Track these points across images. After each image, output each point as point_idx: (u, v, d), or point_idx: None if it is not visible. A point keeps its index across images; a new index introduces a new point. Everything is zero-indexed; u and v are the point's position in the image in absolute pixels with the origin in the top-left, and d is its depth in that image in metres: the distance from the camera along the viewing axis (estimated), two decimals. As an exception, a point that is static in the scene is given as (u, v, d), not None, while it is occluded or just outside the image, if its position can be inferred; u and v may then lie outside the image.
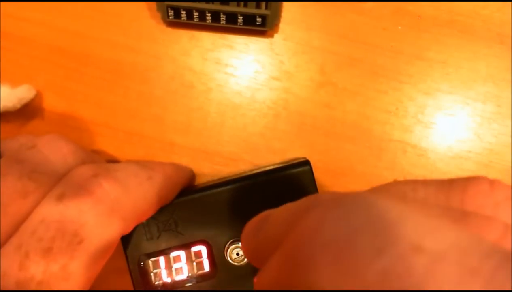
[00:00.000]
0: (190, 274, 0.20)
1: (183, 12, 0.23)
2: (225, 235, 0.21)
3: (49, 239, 0.14)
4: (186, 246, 0.20)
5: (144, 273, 0.20)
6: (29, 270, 0.14)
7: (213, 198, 0.21)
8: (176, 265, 0.20)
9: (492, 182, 0.11)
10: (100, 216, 0.15)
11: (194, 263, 0.20)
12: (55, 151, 0.16)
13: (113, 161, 0.24)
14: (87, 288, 0.15)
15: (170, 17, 0.23)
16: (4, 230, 0.14)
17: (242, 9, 0.23)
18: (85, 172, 0.16)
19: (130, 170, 0.17)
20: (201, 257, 0.20)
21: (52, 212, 0.14)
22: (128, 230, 0.17)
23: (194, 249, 0.20)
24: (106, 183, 0.16)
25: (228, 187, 0.21)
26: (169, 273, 0.20)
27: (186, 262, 0.20)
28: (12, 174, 0.15)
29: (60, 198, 0.15)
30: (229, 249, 0.20)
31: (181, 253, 0.20)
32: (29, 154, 0.16)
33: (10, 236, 0.14)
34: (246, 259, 0.20)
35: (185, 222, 0.20)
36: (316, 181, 0.24)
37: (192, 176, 0.23)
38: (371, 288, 0.07)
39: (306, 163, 0.21)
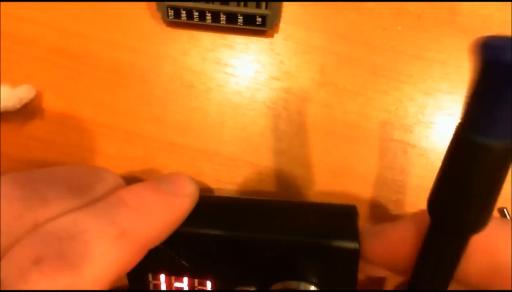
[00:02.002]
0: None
1: (183, 12, 0.23)
2: (234, 279, 0.18)
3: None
4: (190, 276, 0.18)
5: (141, 282, 0.18)
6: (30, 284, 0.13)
7: (238, 242, 0.17)
8: (177, 284, 0.18)
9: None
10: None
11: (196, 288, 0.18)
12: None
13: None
14: None
15: (170, 17, 0.23)
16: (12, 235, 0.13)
17: (242, 9, 0.23)
18: (29, 255, 0.13)
19: (97, 226, 0.14)
20: (205, 287, 0.18)
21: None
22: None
23: (199, 281, 0.18)
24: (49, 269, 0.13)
25: (259, 235, 0.17)
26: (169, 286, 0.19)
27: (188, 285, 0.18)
28: None
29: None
30: None
31: (185, 280, 0.18)
32: None
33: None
34: None
35: (191, 254, 0.17)
36: (316, 181, 0.24)
37: (195, 197, 0.18)
38: None
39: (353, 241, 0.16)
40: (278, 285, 0.17)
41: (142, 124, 0.24)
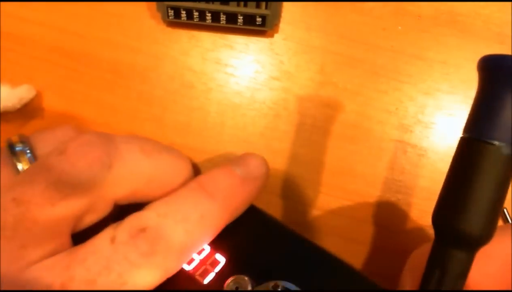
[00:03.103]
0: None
1: (183, 12, 0.23)
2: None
3: (96, 272, 0.15)
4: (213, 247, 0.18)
5: None
6: None
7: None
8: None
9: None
10: (142, 268, 0.16)
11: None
12: (82, 158, 0.16)
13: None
14: None
15: (170, 17, 0.23)
16: (34, 236, 0.15)
17: (242, 9, 0.23)
18: (134, 225, 0.16)
19: (182, 211, 0.17)
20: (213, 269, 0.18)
21: (104, 249, 0.15)
22: (172, 273, 0.17)
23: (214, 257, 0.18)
24: (150, 241, 0.16)
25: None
26: None
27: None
28: (39, 182, 0.15)
29: (113, 240, 0.16)
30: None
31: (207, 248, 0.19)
32: (57, 160, 0.16)
33: (40, 240, 0.15)
34: None
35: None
36: (316, 181, 0.24)
37: (265, 179, 0.20)
38: None
39: None
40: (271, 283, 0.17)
41: (142, 124, 0.24)
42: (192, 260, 0.18)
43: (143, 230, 0.16)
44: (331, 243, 0.24)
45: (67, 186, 0.15)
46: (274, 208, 0.24)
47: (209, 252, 0.18)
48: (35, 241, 0.15)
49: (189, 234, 0.16)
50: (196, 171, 0.21)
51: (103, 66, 0.24)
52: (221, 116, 0.24)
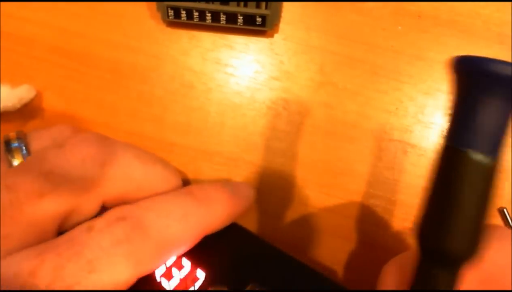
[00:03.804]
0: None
1: (183, 12, 0.23)
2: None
3: (66, 258, 0.14)
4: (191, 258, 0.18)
5: None
6: (39, 278, 0.14)
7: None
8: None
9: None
10: (114, 256, 0.15)
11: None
12: (77, 154, 0.16)
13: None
14: None
15: (170, 17, 0.23)
16: (20, 227, 0.15)
17: (242, 9, 0.23)
18: (114, 214, 0.16)
19: (166, 207, 0.17)
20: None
21: (80, 236, 0.15)
22: (146, 272, 0.16)
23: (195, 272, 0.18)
24: (127, 229, 0.15)
25: None
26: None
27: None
28: (32, 170, 0.15)
29: (90, 228, 0.15)
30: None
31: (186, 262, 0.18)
32: (53, 154, 0.16)
33: (25, 234, 0.15)
34: None
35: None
36: (316, 181, 0.24)
37: (250, 202, 0.20)
38: None
39: None
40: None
41: (142, 124, 0.24)
42: (171, 277, 0.18)
43: (122, 218, 0.16)
44: (331, 243, 0.24)
45: (58, 179, 0.15)
46: (274, 208, 0.24)
47: (190, 269, 0.18)
48: (19, 234, 0.15)
49: (169, 228, 0.16)
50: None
51: (103, 66, 0.24)
52: (221, 116, 0.24)
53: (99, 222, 0.15)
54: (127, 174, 0.17)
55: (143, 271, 0.16)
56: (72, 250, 0.14)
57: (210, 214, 0.18)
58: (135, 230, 0.15)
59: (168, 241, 0.16)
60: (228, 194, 0.18)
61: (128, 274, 0.15)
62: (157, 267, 0.17)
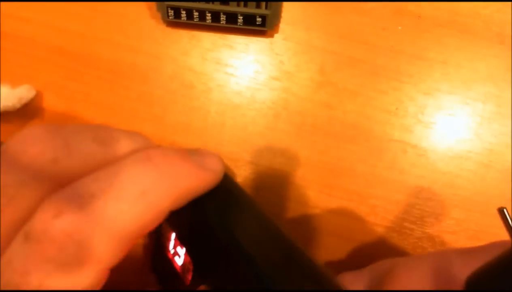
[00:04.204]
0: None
1: (183, 12, 0.23)
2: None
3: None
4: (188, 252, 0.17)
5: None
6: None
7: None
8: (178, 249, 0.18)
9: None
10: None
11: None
12: (21, 154, 0.14)
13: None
14: None
15: (170, 17, 0.23)
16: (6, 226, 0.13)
17: (242, 9, 0.23)
18: (51, 208, 0.13)
19: (118, 185, 0.13)
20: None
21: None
22: (107, 270, 0.14)
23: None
24: (68, 226, 0.13)
25: None
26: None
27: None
28: None
29: (26, 239, 0.13)
30: None
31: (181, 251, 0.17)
32: (2, 158, 0.14)
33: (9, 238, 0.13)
34: None
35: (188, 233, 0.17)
36: (316, 181, 0.24)
37: (219, 177, 0.17)
38: None
39: None
40: None
41: (142, 124, 0.24)
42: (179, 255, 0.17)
43: (60, 214, 0.12)
44: (331, 243, 0.24)
45: (9, 188, 0.13)
46: (274, 208, 0.24)
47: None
48: None
49: (124, 214, 0.13)
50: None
51: (103, 66, 0.24)
52: (221, 116, 0.24)
53: (37, 225, 0.13)
54: (87, 161, 0.15)
55: (103, 268, 0.13)
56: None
57: (172, 189, 0.14)
58: (80, 231, 0.13)
59: (123, 230, 0.13)
60: (194, 165, 0.15)
61: (87, 278, 0.13)
62: (117, 262, 0.14)
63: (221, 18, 0.23)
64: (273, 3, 0.23)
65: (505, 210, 0.23)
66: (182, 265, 0.18)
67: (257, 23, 0.23)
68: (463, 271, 0.15)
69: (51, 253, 0.12)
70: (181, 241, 0.18)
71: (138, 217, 0.13)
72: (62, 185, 0.14)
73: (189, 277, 0.17)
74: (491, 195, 0.24)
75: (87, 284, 0.13)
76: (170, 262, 0.18)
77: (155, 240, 0.20)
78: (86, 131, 0.15)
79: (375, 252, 0.24)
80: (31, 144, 0.14)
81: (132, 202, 0.13)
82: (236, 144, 0.24)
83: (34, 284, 0.12)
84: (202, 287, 0.16)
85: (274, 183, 0.24)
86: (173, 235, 0.18)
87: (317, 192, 0.24)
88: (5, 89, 0.22)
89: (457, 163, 0.24)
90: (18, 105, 0.23)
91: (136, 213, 0.13)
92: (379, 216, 0.24)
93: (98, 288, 0.13)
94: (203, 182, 0.16)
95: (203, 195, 0.16)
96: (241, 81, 0.24)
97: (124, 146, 0.15)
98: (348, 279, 0.19)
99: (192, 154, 0.16)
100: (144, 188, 0.14)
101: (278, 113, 0.24)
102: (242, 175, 0.24)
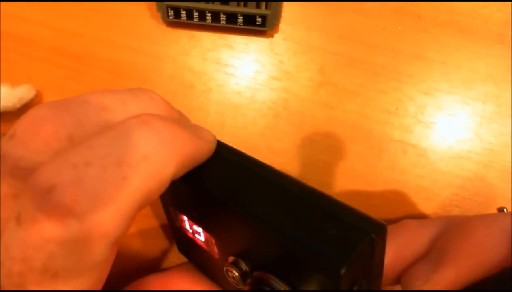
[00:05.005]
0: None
1: (183, 12, 0.23)
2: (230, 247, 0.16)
3: (17, 273, 0.12)
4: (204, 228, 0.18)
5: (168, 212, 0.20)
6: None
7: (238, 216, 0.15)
8: (195, 227, 0.18)
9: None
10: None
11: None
12: (33, 138, 0.13)
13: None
14: None
15: (170, 17, 0.23)
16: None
17: (242, 9, 0.23)
18: (42, 182, 0.12)
19: (115, 151, 0.13)
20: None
21: (13, 238, 0.12)
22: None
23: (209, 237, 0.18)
24: (64, 198, 0.12)
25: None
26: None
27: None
28: None
29: (18, 220, 0.12)
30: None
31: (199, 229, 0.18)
32: (8, 147, 0.13)
33: None
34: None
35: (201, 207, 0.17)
36: (316, 181, 0.24)
37: (213, 147, 0.17)
38: None
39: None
40: (257, 274, 0.15)
41: (142, 124, 0.24)
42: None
43: (49, 190, 0.12)
44: (331, 243, 0.24)
45: (26, 171, 0.13)
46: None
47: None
48: None
49: (127, 181, 0.12)
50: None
51: (103, 66, 0.24)
52: (221, 116, 0.24)
53: (25, 204, 0.12)
54: (97, 125, 0.14)
55: (110, 242, 0.13)
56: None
57: (173, 155, 0.14)
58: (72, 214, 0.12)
59: (130, 194, 0.13)
60: (189, 133, 0.15)
61: (95, 255, 0.12)
62: (124, 234, 0.13)
63: (221, 18, 0.23)
64: (273, 3, 0.23)
65: (505, 210, 0.24)
66: (205, 241, 0.18)
67: (257, 23, 0.23)
68: None
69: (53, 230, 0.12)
70: (194, 221, 0.18)
71: (142, 181, 0.13)
72: None
73: (215, 249, 0.18)
74: (491, 195, 0.24)
75: (97, 260, 0.12)
76: (193, 241, 0.19)
77: (171, 223, 0.20)
78: (91, 100, 0.14)
79: (375, 252, 0.24)
80: (42, 125, 0.13)
81: (135, 166, 0.13)
82: (236, 144, 0.24)
83: (38, 268, 0.12)
84: (230, 258, 0.16)
85: (274, 183, 0.24)
86: (185, 218, 0.19)
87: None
88: (5, 89, 0.22)
89: (457, 163, 0.24)
90: (18, 105, 0.23)
91: (139, 176, 0.13)
92: (379, 216, 0.24)
93: (109, 263, 0.13)
94: (201, 149, 0.16)
95: (201, 169, 0.16)
96: (241, 81, 0.24)
97: (131, 107, 0.15)
98: (412, 225, 0.18)
99: (188, 126, 0.16)
100: (145, 153, 0.13)
101: (278, 113, 0.24)
102: (242, 175, 0.24)
